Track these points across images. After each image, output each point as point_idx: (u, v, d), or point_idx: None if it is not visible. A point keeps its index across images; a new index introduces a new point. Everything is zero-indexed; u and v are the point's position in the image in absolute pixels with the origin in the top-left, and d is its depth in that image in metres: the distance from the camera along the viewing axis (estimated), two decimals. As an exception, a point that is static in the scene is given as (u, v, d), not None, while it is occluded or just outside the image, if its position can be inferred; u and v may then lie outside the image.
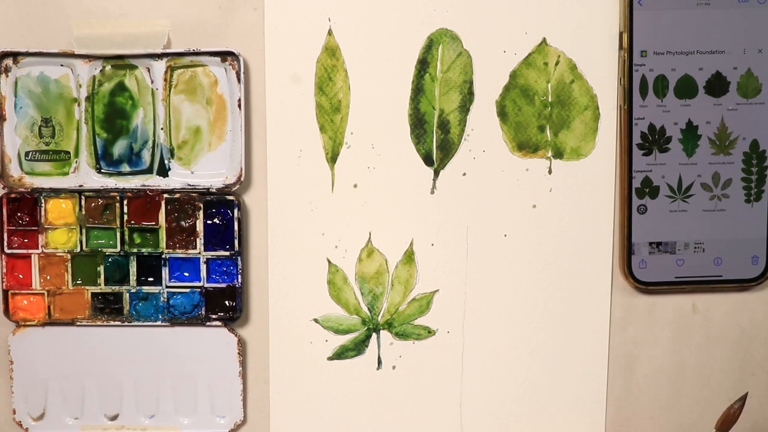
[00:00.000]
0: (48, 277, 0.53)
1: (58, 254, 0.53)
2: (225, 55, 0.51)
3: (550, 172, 0.53)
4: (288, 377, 0.54)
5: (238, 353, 0.53)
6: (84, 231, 0.52)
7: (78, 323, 0.53)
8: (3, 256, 0.52)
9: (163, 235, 0.52)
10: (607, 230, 0.54)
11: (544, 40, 0.52)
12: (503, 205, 0.53)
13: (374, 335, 0.54)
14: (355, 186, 0.53)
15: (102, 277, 0.53)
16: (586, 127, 0.53)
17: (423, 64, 0.52)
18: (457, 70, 0.52)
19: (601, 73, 0.53)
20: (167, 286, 0.53)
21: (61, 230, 0.52)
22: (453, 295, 0.54)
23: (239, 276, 0.53)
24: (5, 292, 0.53)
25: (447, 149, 0.53)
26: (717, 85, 0.52)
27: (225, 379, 0.54)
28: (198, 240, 0.52)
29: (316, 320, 0.54)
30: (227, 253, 0.52)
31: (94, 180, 0.52)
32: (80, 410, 0.54)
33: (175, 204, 0.52)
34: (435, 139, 0.53)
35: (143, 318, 0.53)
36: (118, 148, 0.52)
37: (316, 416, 0.55)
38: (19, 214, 0.52)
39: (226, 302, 0.53)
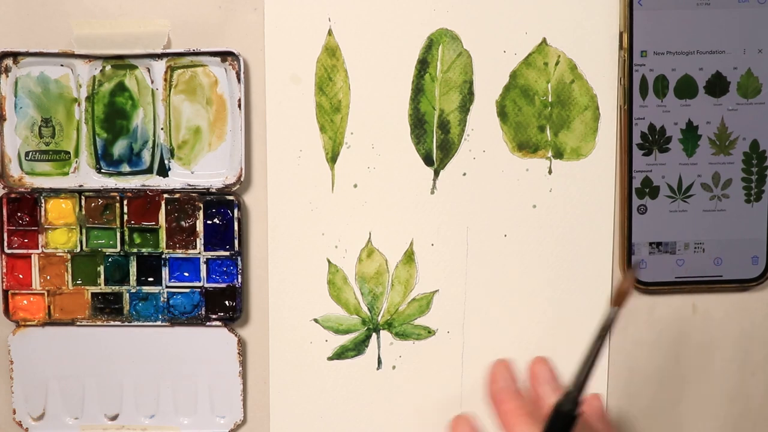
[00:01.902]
0: (48, 277, 0.53)
1: (58, 254, 0.53)
2: (225, 55, 0.51)
3: (550, 172, 0.53)
4: (288, 377, 0.54)
5: (238, 353, 0.53)
6: (84, 231, 0.52)
7: (78, 323, 0.53)
8: (3, 256, 0.52)
9: (163, 235, 0.52)
10: (607, 230, 0.54)
11: (544, 40, 0.52)
12: (503, 205, 0.53)
13: (374, 335, 0.54)
14: (355, 186, 0.53)
15: (102, 277, 0.53)
16: (586, 127, 0.53)
17: (423, 64, 0.52)
18: (457, 70, 0.52)
19: (601, 73, 0.53)
20: (167, 286, 0.53)
21: (61, 230, 0.52)
22: (453, 295, 0.54)
23: (239, 276, 0.53)
24: (5, 292, 0.53)
25: (447, 149, 0.53)
26: (717, 85, 0.52)
27: (225, 379, 0.54)
28: (198, 240, 0.52)
29: (316, 320, 0.54)
30: (227, 253, 0.52)
31: (94, 180, 0.52)
32: (80, 410, 0.54)
33: (175, 204, 0.52)
34: (435, 139, 0.53)
35: (143, 318, 0.53)
36: (118, 148, 0.52)
37: (316, 416, 0.55)
38: (19, 214, 0.52)
39: (226, 302, 0.53)
